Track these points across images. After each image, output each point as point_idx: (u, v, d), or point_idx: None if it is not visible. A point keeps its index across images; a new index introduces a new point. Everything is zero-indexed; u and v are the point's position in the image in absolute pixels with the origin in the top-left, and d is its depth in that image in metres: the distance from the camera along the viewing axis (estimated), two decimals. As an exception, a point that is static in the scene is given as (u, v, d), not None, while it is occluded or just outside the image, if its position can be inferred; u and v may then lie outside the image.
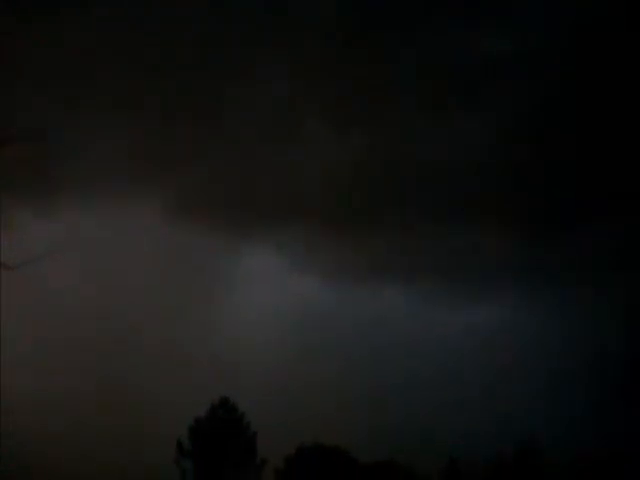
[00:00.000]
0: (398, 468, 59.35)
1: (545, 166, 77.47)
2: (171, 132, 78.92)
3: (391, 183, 79.74)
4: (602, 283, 75.49)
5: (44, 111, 67.01)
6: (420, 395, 67.61)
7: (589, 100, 75.21)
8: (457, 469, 60.11)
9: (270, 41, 77.50)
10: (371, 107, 79.52)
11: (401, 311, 77.63)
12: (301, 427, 60.82)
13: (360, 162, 78.25)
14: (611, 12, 74.51)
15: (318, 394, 66.70)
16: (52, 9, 72.41)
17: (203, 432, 57.10)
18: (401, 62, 78.06)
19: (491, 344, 73.49)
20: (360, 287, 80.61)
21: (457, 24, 79.35)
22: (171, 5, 76.89)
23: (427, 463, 60.20)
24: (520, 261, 79.98)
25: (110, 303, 72.37)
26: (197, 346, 70.60)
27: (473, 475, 59.91)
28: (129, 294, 74.08)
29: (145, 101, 77.62)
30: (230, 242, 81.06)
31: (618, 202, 75.83)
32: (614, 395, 66.10)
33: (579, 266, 77.81)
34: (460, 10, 78.66)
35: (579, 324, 73.59)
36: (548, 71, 78.39)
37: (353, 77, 77.97)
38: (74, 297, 71.52)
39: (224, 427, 57.23)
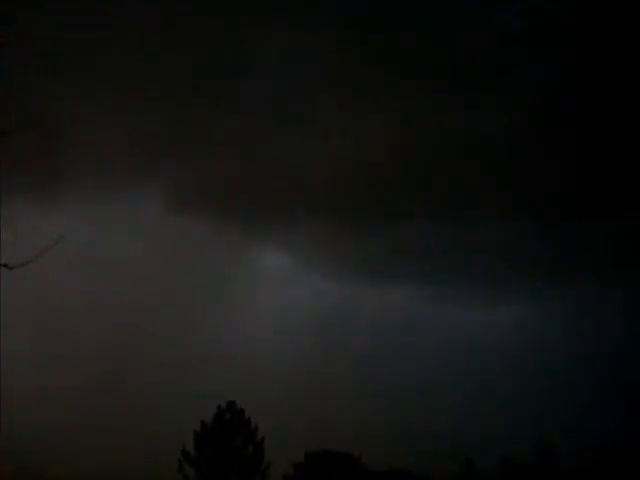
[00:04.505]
0: (412, 475, 58.21)
1: (546, 167, 77.52)
2: (177, 129, 78.18)
3: (401, 183, 79.44)
4: (602, 283, 75.74)
5: (47, 100, 65.62)
6: (432, 397, 67.14)
7: (591, 100, 75.24)
8: (474, 470, 59.08)
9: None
10: (373, 107, 79.34)
11: (412, 312, 77.39)
12: (310, 431, 59.86)
13: (369, 162, 77.72)
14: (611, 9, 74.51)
15: (328, 397, 65.96)
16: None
17: (209, 436, 55.94)
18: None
19: (491, 344, 73.42)
20: (371, 287, 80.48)
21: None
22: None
23: (442, 468, 59.20)
24: (520, 261, 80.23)
25: (115, 304, 71.42)
26: (201, 347, 69.68)
27: (489, 477, 59.03)
28: (133, 294, 73.13)
29: (150, 100, 76.63)
30: (239, 242, 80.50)
31: (618, 202, 76.01)
32: (614, 395, 66.37)
33: (579, 266, 78.08)
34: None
35: (578, 324, 73.88)
36: (549, 68, 78.47)
37: (364, 78, 77.49)
38: (75, 297, 70.54)
39: (231, 431, 56.05)
